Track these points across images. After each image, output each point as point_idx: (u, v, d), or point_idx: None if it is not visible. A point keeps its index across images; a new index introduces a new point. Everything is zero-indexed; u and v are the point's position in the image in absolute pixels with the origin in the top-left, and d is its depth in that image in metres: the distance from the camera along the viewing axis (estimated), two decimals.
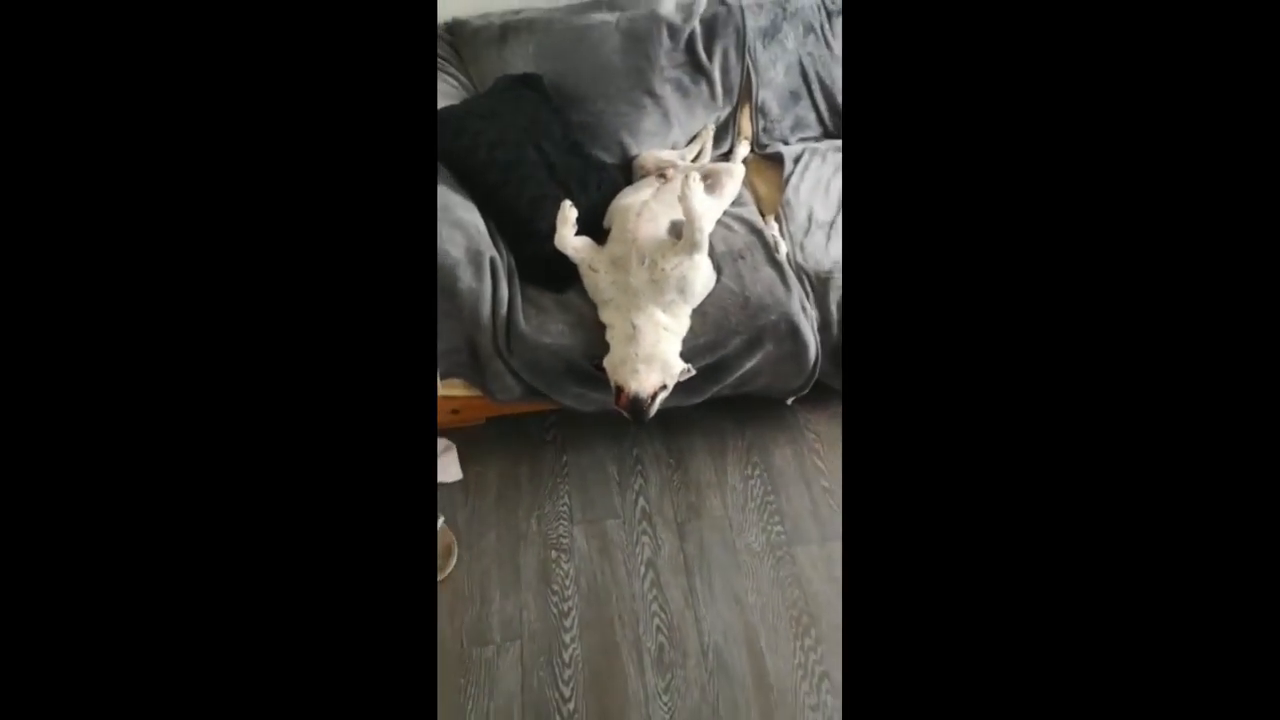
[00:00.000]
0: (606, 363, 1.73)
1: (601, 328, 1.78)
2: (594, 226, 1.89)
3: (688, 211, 1.68)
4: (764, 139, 2.28)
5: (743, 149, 2.26)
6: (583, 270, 1.79)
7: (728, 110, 2.24)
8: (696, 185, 1.69)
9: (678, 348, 1.75)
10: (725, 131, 2.28)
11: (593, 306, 1.81)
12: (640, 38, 2.09)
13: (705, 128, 2.24)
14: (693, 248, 1.70)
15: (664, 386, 1.70)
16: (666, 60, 2.13)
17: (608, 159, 2.14)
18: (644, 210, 1.80)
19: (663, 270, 1.71)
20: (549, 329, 1.79)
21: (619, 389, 1.69)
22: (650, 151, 2.15)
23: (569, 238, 1.75)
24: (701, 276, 1.76)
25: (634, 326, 1.71)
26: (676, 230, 1.77)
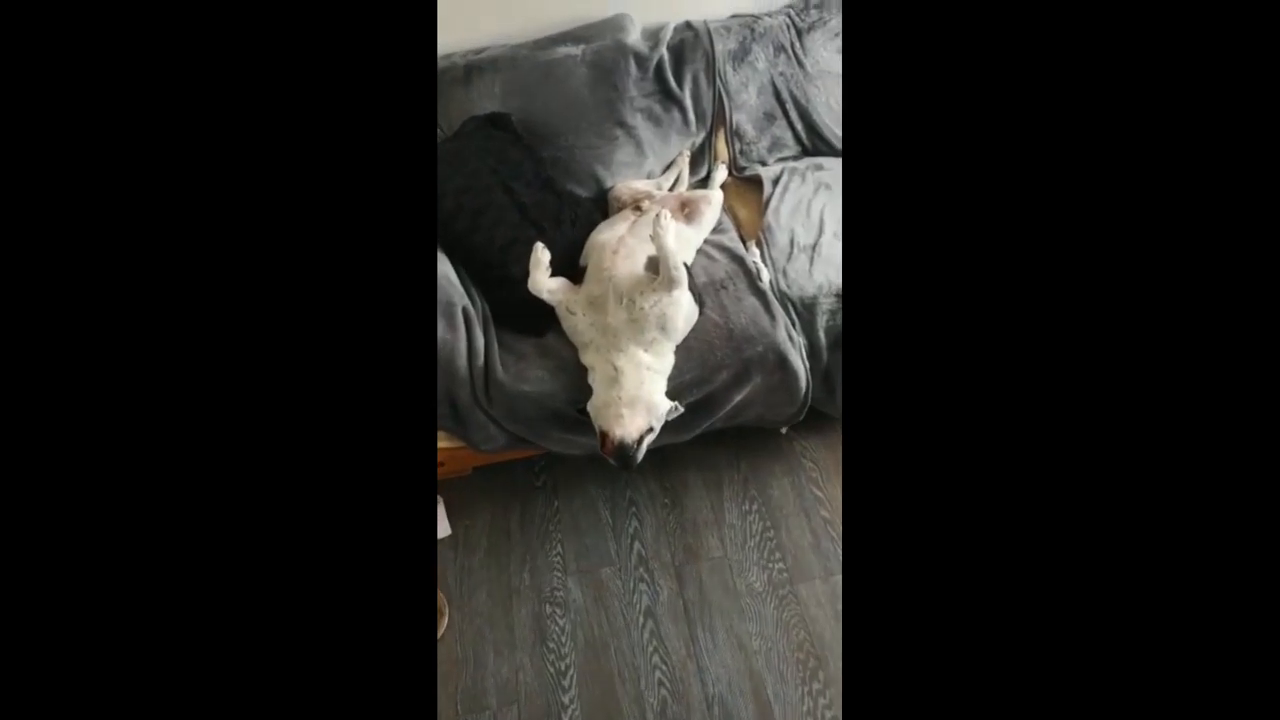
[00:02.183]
0: (590, 407, 1.67)
1: (583, 370, 1.72)
2: (572, 263, 1.83)
3: (661, 250, 1.62)
4: (742, 161, 2.23)
5: (720, 173, 2.21)
6: (560, 313, 1.74)
7: (702, 135, 2.19)
8: (667, 222, 1.64)
9: (663, 386, 1.69)
10: (702, 156, 2.23)
11: (573, 349, 1.75)
12: (607, 69, 2.05)
13: (680, 154, 2.19)
14: (670, 284, 1.64)
15: (650, 429, 1.64)
16: (636, 90, 2.08)
17: (582, 193, 2.09)
18: (620, 247, 1.75)
19: (641, 309, 1.65)
20: (528, 376, 1.73)
21: (603, 435, 1.62)
22: (626, 182, 2.10)
23: (543, 280, 1.69)
24: (682, 312, 1.71)
25: (615, 368, 1.65)
26: (655, 265, 1.71)
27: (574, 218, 1.92)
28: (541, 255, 1.69)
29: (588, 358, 1.71)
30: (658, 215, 1.64)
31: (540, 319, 1.77)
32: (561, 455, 1.87)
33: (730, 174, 2.23)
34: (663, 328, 1.68)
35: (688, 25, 2.15)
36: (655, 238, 1.63)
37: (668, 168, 2.20)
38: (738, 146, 2.22)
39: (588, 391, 1.69)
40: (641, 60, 2.08)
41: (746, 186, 2.21)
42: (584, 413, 1.69)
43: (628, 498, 1.98)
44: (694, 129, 2.17)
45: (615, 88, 2.06)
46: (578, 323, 1.70)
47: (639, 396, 1.63)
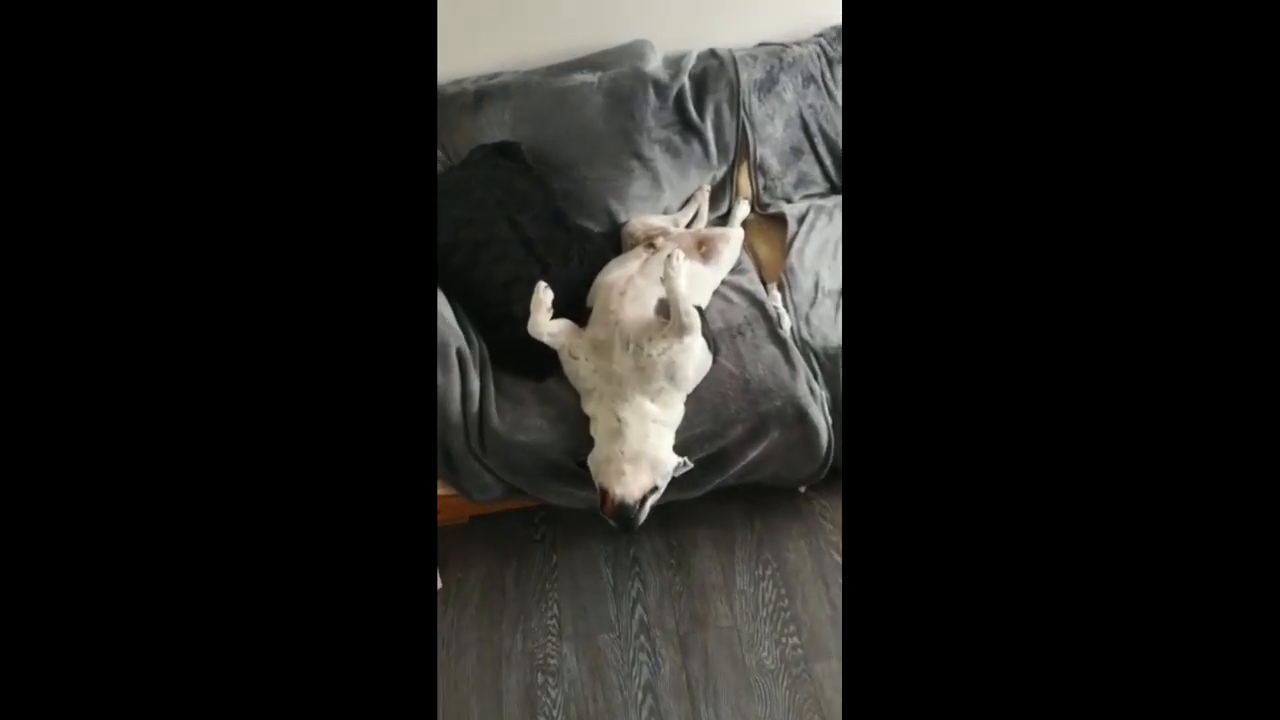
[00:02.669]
0: (590, 460, 1.54)
1: (585, 419, 1.59)
2: (579, 302, 1.71)
3: (671, 293, 1.49)
4: (765, 198, 2.10)
5: (742, 210, 2.09)
6: (562, 357, 1.61)
7: (724, 169, 2.07)
8: (679, 263, 1.51)
9: (670, 441, 1.56)
10: (723, 192, 2.11)
11: (575, 396, 1.62)
12: (625, 98, 1.94)
13: (700, 189, 2.07)
14: (681, 331, 1.51)
15: (654, 489, 1.50)
16: (654, 120, 1.97)
17: (594, 228, 1.98)
18: (628, 288, 1.62)
19: (649, 356, 1.52)
20: (526, 424, 1.60)
21: (603, 492, 1.49)
22: (640, 218, 1.99)
23: (544, 323, 1.57)
24: (694, 360, 1.58)
25: (619, 419, 1.52)
26: (665, 308, 1.59)
27: (583, 254, 1.81)
28: (543, 296, 1.57)
29: (590, 406, 1.58)
30: (669, 255, 1.51)
31: (541, 362, 1.65)
32: (563, 507, 1.73)
33: (753, 210, 2.11)
34: (671, 377, 1.54)
35: (712, 53, 2.04)
36: (666, 280, 1.50)
37: (686, 203, 2.08)
38: (761, 182, 2.10)
39: (589, 443, 1.56)
40: (661, 89, 1.97)
41: (769, 224, 2.09)
42: (584, 466, 1.56)
43: (631, 555, 1.83)
44: (715, 162, 2.05)
45: (632, 117, 1.95)
46: (580, 368, 1.58)
47: (643, 452, 1.49)
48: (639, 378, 1.53)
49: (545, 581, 1.80)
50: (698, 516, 1.87)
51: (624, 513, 1.46)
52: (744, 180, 2.11)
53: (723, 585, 1.76)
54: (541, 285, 1.57)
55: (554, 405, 1.63)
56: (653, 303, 1.60)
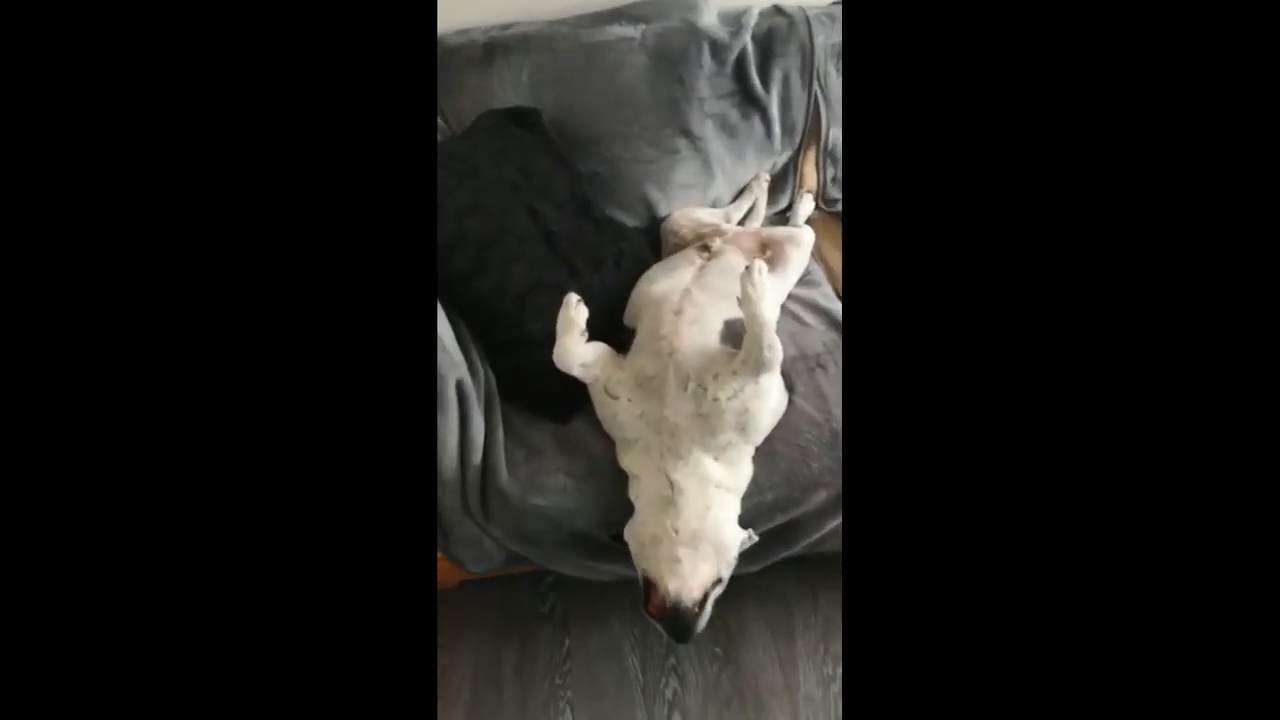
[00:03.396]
0: (630, 535, 1.15)
1: (622, 476, 1.21)
2: (612, 321, 1.32)
3: (752, 319, 1.11)
4: (833, 191, 1.72)
5: (806, 206, 1.71)
6: (596, 395, 1.22)
7: (788, 155, 1.68)
8: (762, 279, 1.12)
9: (735, 512, 1.17)
10: (783, 183, 1.72)
11: (609, 444, 1.23)
12: (673, 59, 1.54)
13: (757, 178, 1.68)
14: (759, 367, 1.13)
15: (717, 581, 1.11)
16: (708, 88, 1.57)
17: (629, 221, 1.58)
18: (684, 305, 1.23)
19: (715, 400, 1.13)
20: (543, 483, 1.21)
21: (650, 586, 1.10)
22: (685, 211, 1.60)
23: (576, 349, 1.18)
24: (770, 406, 1.19)
25: (672, 484, 1.13)
26: (733, 335, 1.20)
27: (618, 255, 1.41)
28: (575, 314, 1.17)
29: (630, 461, 1.19)
30: (749, 269, 1.12)
31: (566, 398, 1.26)
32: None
33: (818, 207, 1.73)
34: (743, 428, 1.16)
35: (777, 10, 1.64)
36: (745, 301, 1.11)
37: (739, 194, 1.69)
38: (831, 173, 1.71)
39: (626, 507, 1.17)
40: (718, 50, 1.57)
41: (838, 226, 1.71)
42: (619, 540, 1.17)
43: (665, 642, 1.45)
44: (778, 145, 1.66)
45: (681, 83, 1.55)
46: (620, 411, 1.18)
47: (703, 531, 1.11)
48: (700, 428, 1.14)
49: (555, 673, 1.41)
50: (746, 586, 1.48)
51: (679, 617, 1.07)
52: (809, 169, 1.72)
53: (782, 686, 1.39)
54: (573, 299, 1.17)
55: (581, 457, 1.24)
56: (716, 326, 1.21)
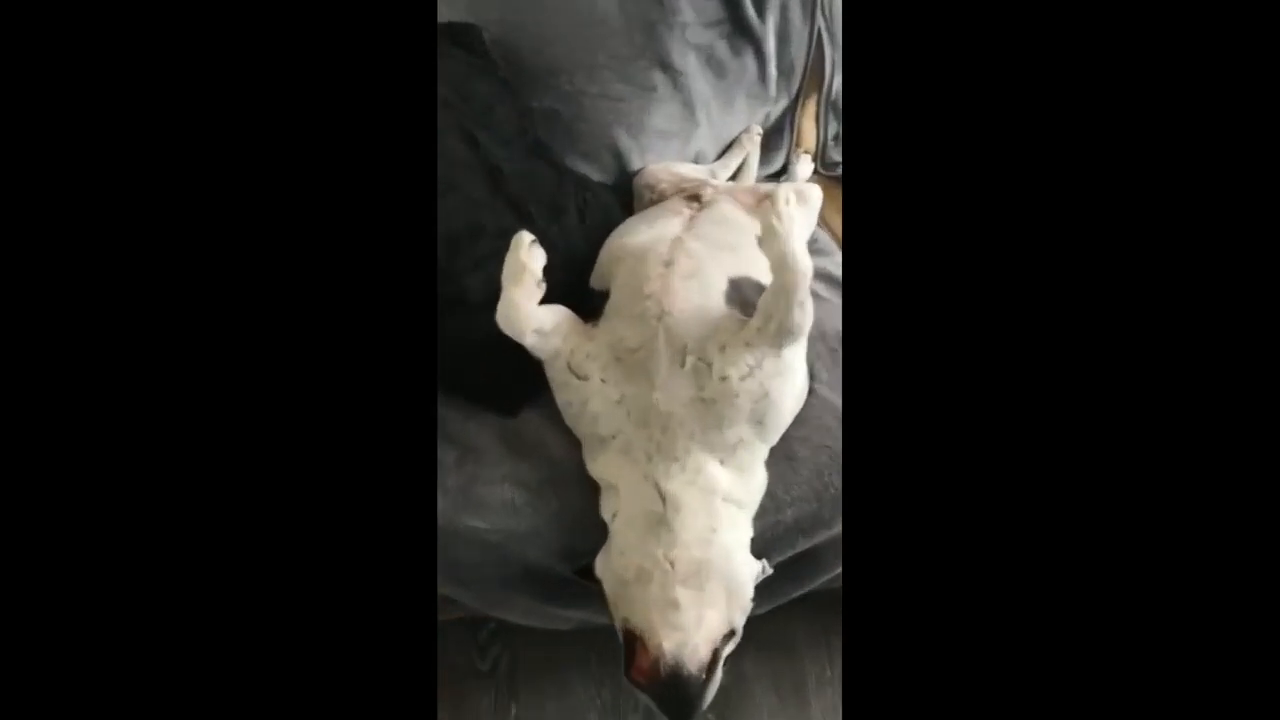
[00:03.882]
0: (602, 568, 0.83)
1: (590, 488, 0.88)
2: (577, 288, 1.00)
3: (783, 263, 0.80)
4: (834, 152, 1.45)
5: (804, 168, 1.43)
6: (556, 373, 0.90)
7: (783, 105, 1.40)
8: (792, 210, 0.81)
9: (749, 535, 0.86)
10: (777, 139, 1.44)
11: (573, 444, 0.91)
12: None
13: (748, 130, 1.40)
14: (784, 334, 0.82)
15: (731, 634, 0.80)
16: (693, 12, 1.28)
17: (593, 174, 1.27)
18: (677, 256, 0.92)
19: (724, 380, 0.82)
20: (486, 498, 0.88)
21: (634, 641, 0.78)
22: (663, 165, 1.30)
23: (527, 307, 0.85)
24: (794, 389, 0.89)
25: (664, 497, 0.81)
26: (741, 298, 0.89)
27: (582, 206, 1.10)
28: (529, 258, 0.84)
29: (605, 465, 0.87)
30: (773, 196, 0.82)
31: (515, 382, 0.93)
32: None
33: (816, 171, 1.45)
34: (760, 420, 0.85)
35: None
36: (769, 238, 0.81)
37: (726, 149, 1.40)
38: (833, 129, 1.44)
39: (598, 532, 0.85)
40: None
41: (839, 190, 1.43)
42: (588, 577, 0.85)
43: (639, 706, 1.12)
44: (772, 91, 1.38)
45: (660, 3, 1.26)
46: (591, 397, 0.86)
47: (709, 562, 0.79)
48: (703, 419, 0.83)
49: None
50: (745, 636, 1.18)
51: (680, 688, 0.75)
52: (808, 124, 1.45)
53: None
54: (526, 238, 0.85)
55: (535, 461, 0.92)
56: (719, 284, 0.91)
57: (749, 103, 1.38)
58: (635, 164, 1.31)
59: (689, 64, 1.30)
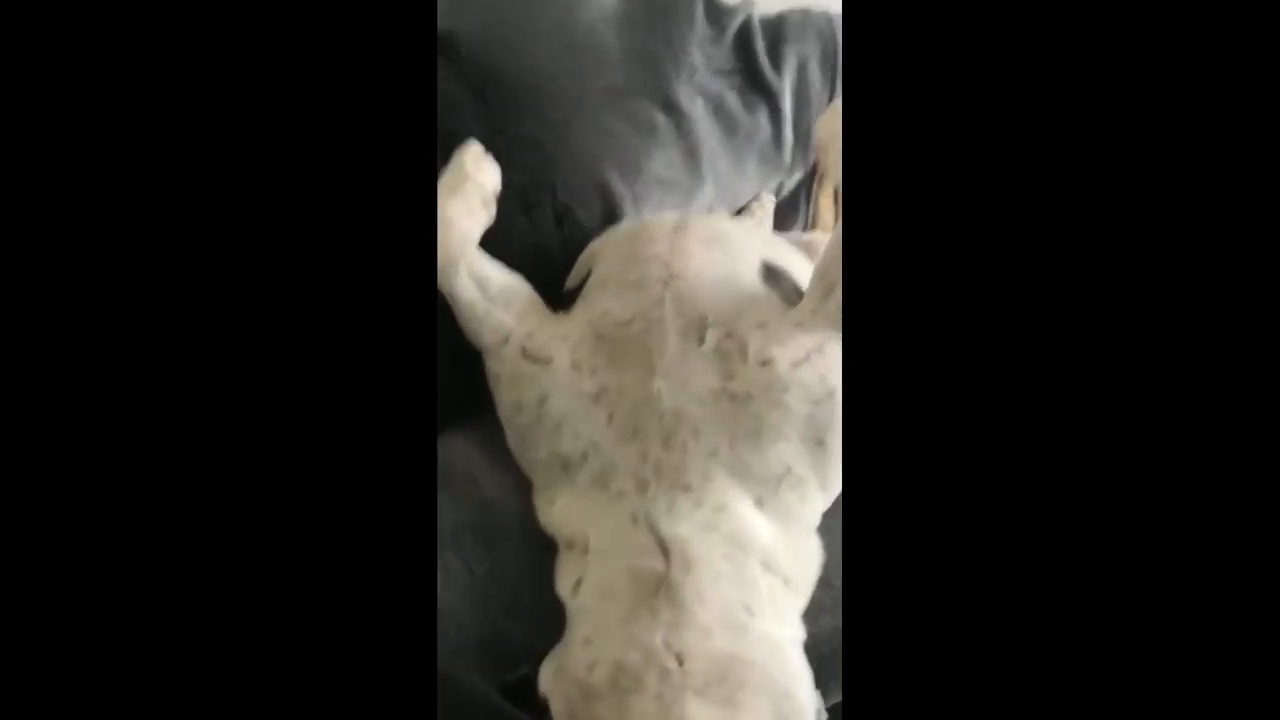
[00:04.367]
0: (553, 679, 0.47)
1: (537, 548, 0.55)
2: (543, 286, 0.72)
3: (828, 155, 0.54)
4: None
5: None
6: (502, 363, 0.59)
7: (798, 176, 1.22)
8: (837, 124, 0.57)
9: (801, 635, 0.51)
10: (791, 214, 1.24)
11: (515, 479, 0.58)
12: (657, 3, 1.11)
13: (758, 199, 1.19)
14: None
15: None
16: (701, 55, 1.13)
17: (580, 216, 1.04)
18: (692, 223, 0.65)
19: (766, 365, 0.52)
20: None
21: None
22: (662, 217, 1.07)
23: (464, 226, 0.57)
24: None
25: (665, 547, 0.48)
26: (778, 281, 0.62)
27: (562, 211, 0.86)
28: (476, 169, 0.58)
29: (565, 507, 0.54)
30: (825, 115, 0.57)
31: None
32: None
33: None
34: (821, 439, 0.54)
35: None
36: (822, 142, 0.55)
37: (737, 214, 1.18)
38: None
39: (542, 619, 0.50)
40: (715, 11, 1.15)
41: None
42: (527, 688, 0.49)
43: None
44: (788, 158, 1.19)
45: (667, 41, 1.10)
46: (554, 388, 0.55)
47: (743, 658, 0.44)
48: (732, 424, 0.52)
49: None
50: None
51: None
52: (826, 204, 1.26)
53: None
54: (475, 147, 0.60)
55: (457, 498, 0.57)
56: (752, 259, 0.63)
57: (761, 167, 1.18)
58: (628, 212, 1.08)
59: (696, 108, 1.11)
